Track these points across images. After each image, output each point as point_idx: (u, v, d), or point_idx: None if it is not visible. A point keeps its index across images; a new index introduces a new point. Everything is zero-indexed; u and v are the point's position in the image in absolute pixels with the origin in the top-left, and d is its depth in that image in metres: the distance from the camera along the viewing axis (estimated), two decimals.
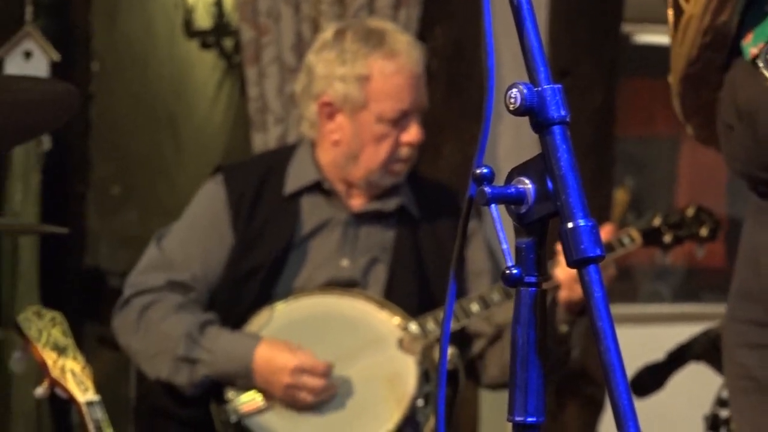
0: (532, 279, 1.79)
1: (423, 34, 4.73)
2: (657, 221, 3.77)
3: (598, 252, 1.70)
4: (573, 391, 4.93)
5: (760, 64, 2.75)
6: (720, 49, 2.99)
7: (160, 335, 3.72)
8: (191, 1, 6.06)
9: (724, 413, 3.37)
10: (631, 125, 5.47)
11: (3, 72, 5.02)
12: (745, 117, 2.97)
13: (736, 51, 2.99)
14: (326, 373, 3.67)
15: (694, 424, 3.47)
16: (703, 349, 3.57)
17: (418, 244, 3.89)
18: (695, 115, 3.11)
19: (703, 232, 3.80)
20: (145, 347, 3.75)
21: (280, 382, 3.64)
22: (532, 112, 1.73)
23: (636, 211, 6.02)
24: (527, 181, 1.75)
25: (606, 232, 3.65)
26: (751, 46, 2.94)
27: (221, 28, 5.95)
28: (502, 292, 3.73)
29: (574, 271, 3.42)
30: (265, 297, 3.80)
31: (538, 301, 1.80)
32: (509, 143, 4.48)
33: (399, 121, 3.77)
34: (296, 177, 3.88)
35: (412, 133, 3.78)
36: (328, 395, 3.68)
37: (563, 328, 3.62)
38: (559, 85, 1.74)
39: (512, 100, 1.72)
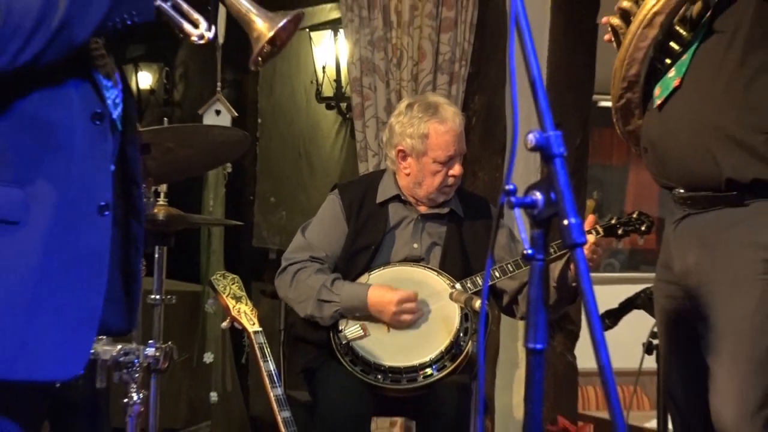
0: (541, 257, 1.75)
1: (467, 101, 4.73)
2: (614, 221, 3.73)
3: (582, 240, 1.68)
4: (559, 327, 4.90)
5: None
6: (634, 91, 2.92)
7: (307, 287, 3.72)
8: (320, 78, 6.05)
9: (655, 341, 3.30)
10: (596, 158, 5.40)
11: (202, 123, 5.04)
12: (650, 146, 2.90)
13: (649, 96, 2.92)
14: (415, 297, 3.68)
15: (637, 349, 3.40)
16: (642, 301, 3.53)
17: (462, 234, 3.86)
18: (630, 136, 3.04)
19: (643, 228, 3.76)
20: (297, 296, 3.74)
21: (389, 311, 3.65)
22: (542, 149, 1.70)
23: (599, 214, 6.00)
24: (538, 194, 1.72)
25: (590, 222, 3.62)
26: (657, 99, 2.89)
27: (339, 95, 5.95)
28: (514, 265, 3.69)
29: (591, 243, 3.37)
30: (367, 267, 3.79)
31: (544, 270, 1.76)
32: (521, 170, 4.43)
33: (447, 162, 3.75)
34: (384, 191, 3.87)
35: (456, 170, 3.77)
36: (419, 314, 3.70)
37: (574, 282, 3.56)
38: (560, 132, 1.70)
39: (530, 142, 1.69)
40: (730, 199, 2.72)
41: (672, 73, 2.83)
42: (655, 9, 2.76)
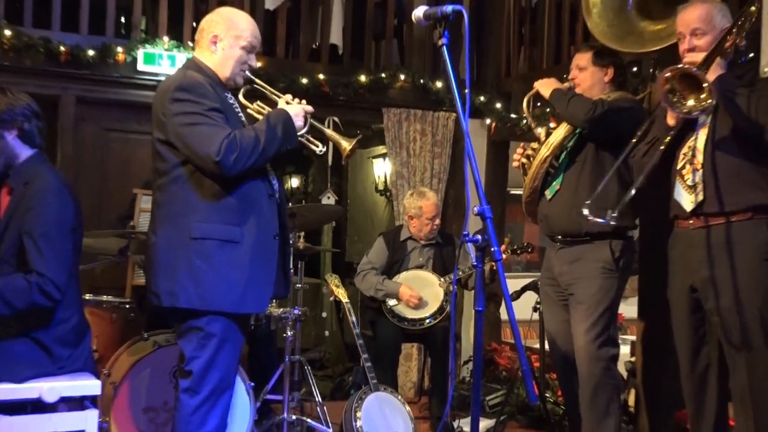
0: (480, 266, 1.71)
1: (446, 193, 4.67)
2: (515, 246, 3.64)
3: (500, 257, 1.65)
4: (491, 299, 4.79)
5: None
6: (536, 194, 2.89)
7: (370, 282, 3.65)
8: (377, 180, 6.03)
9: (538, 306, 3.21)
10: (509, 219, 5.22)
11: (321, 203, 5.02)
12: (544, 218, 2.88)
13: (542, 195, 2.89)
14: (419, 296, 3.59)
15: (529, 309, 3.30)
16: (531, 287, 3.42)
17: (442, 253, 3.78)
18: (531, 214, 3.00)
19: (530, 251, 3.66)
20: (365, 286, 3.68)
21: (405, 299, 3.58)
22: (482, 215, 1.68)
23: (511, 245, 5.90)
24: (479, 236, 1.69)
25: (504, 248, 3.56)
26: (548, 195, 2.85)
27: (386, 190, 5.90)
28: (468, 269, 3.62)
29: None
30: (398, 271, 3.72)
31: (482, 273, 1.71)
32: (471, 224, 4.35)
33: (432, 219, 3.70)
34: (404, 234, 3.80)
35: (437, 223, 3.73)
36: (420, 303, 3.59)
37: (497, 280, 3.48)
38: (490, 206, 1.68)
39: (476, 211, 1.67)
40: (585, 241, 2.78)
41: (554, 183, 2.84)
42: (547, 154, 2.82)
